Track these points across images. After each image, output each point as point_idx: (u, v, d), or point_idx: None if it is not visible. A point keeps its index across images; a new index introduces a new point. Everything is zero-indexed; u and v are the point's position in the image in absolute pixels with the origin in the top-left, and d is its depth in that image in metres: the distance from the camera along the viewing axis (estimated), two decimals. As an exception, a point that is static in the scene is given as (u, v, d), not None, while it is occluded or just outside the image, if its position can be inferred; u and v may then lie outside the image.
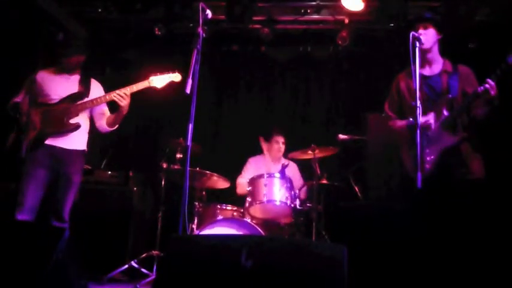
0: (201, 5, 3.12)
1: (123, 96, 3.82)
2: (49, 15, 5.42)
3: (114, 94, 3.82)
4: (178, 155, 4.75)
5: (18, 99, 3.90)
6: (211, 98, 6.44)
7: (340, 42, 5.73)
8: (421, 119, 3.23)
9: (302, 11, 5.67)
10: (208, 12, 3.16)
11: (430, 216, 3.28)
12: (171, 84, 3.98)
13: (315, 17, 5.71)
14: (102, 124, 4.04)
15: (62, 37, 3.96)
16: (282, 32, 5.93)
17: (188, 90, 2.87)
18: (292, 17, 5.74)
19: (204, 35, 3.05)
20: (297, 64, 6.38)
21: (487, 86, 3.11)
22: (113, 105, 4.00)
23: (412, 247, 3.34)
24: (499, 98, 3.21)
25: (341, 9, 5.44)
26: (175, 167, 4.72)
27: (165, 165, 4.78)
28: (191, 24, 5.54)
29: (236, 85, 6.52)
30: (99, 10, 5.82)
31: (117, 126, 4.07)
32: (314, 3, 5.59)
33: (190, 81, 2.89)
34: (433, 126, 3.34)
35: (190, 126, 2.89)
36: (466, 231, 3.18)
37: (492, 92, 3.11)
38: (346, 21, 5.62)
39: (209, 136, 6.34)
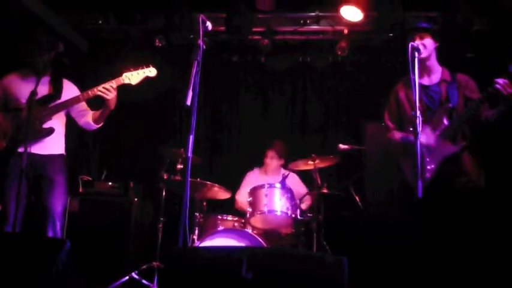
0: (201, 17, 3.13)
1: (109, 89, 3.66)
2: (49, 26, 5.44)
3: (99, 88, 3.65)
4: (179, 166, 4.74)
5: None
6: (211, 108, 6.46)
7: (339, 52, 5.76)
8: (424, 140, 3.25)
9: (301, 21, 5.71)
10: (209, 24, 3.16)
11: (430, 225, 3.28)
12: (147, 79, 3.80)
13: (314, 27, 5.75)
14: (88, 121, 3.88)
15: (62, 48, 3.88)
16: (282, 43, 5.97)
17: (189, 102, 2.87)
18: (291, 27, 5.78)
19: (204, 46, 3.06)
20: (296, 74, 6.41)
21: (498, 86, 3.10)
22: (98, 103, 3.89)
23: (413, 256, 3.34)
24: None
25: (340, 20, 5.49)
26: (176, 177, 4.72)
27: (165, 176, 4.77)
28: (191, 36, 5.57)
29: (236, 96, 6.54)
30: (99, 21, 5.86)
31: (102, 123, 3.91)
32: (313, 14, 5.63)
33: (190, 93, 2.89)
34: (431, 143, 3.34)
35: (191, 137, 2.89)
36: (467, 240, 3.18)
37: (509, 89, 3.09)
38: (346, 31, 5.65)
39: (209, 147, 6.36)
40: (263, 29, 5.74)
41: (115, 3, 5.67)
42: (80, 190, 5.03)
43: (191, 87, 2.90)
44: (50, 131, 3.68)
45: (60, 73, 3.90)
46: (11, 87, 3.71)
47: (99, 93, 3.67)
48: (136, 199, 5.10)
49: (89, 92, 3.70)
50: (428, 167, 3.31)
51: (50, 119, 3.70)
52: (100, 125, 3.92)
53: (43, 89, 3.73)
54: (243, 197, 5.06)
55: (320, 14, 5.62)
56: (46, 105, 3.70)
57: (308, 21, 5.70)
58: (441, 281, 3.18)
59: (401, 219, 3.68)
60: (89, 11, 5.82)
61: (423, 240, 3.27)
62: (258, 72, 6.42)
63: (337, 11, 5.25)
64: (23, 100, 3.66)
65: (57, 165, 3.74)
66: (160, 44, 5.75)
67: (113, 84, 3.69)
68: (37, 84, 3.50)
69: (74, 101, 3.73)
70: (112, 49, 6.13)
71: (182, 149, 4.57)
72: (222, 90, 6.51)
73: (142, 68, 3.78)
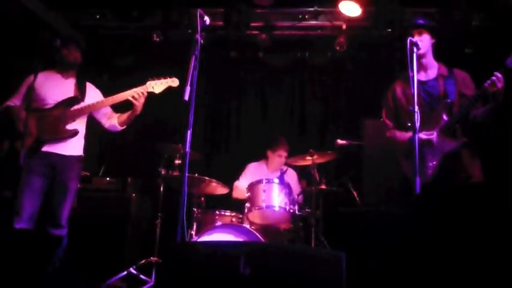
0: (199, 11, 3.13)
1: (139, 96, 3.84)
2: (47, 23, 5.43)
3: (132, 92, 3.83)
4: (177, 161, 4.74)
5: (11, 102, 3.79)
6: (209, 104, 6.45)
7: (337, 48, 5.75)
8: (424, 136, 3.26)
9: (300, 16, 5.70)
10: (206, 19, 3.16)
11: (429, 222, 3.28)
12: (169, 89, 3.96)
13: (313, 22, 5.74)
14: (114, 124, 4.03)
15: (59, 43, 3.92)
16: (280, 38, 5.95)
17: (186, 97, 2.87)
18: (289, 23, 5.77)
19: (202, 41, 3.06)
20: (295, 70, 6.40)
21: (494, 78, 3.10)
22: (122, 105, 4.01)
23: (411, 252, 3.34)
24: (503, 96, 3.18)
25: (338, 15, 5.48)
26: (174, 173, 4.71)
27: (163, 172, 4.77)
28: (189, 31, 5.55)
29: (234, 91, 6.53)
30: (97, 17, 5.84)
31: (126, 126, 4.08)
32: (312, 9, 5.62)
33: (188, 88, 2.89)
34: (435, 142, 3.33)
35: (189, 132, 2.89)
36: (466, 236, 3.18)
37: (499, 84, 3.10)
38: (344, 27, 5.64)
39: (207, 142, 6.35)
40: (261, 24, 5.72)
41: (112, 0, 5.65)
42: (78, 186, 5.02)
43: (189, 83, 2.90)
44: (75, 133, 3.80)
45: (84, 76, 4.04)
46: (36, 87, 3.72)
47: (130, 98, 3.83)
48: (134, 195, 5.10)
49: (114, 98, 3.87)
50: (430, 164, 3.31)
51: (73, 120, 3.82)
52: (124, 127, 4.08)
53: (68, 91, 3.87)
54: (242, 185, 5.06)
55: (318, 9, 5.61)
56: (70, 107, 3.82)
57: (306, 17, 5.68)
58: (440, 276, 3.19)
59: (401, 216, 3.69)
60: (86, 8, 5.81)
61: (422, 236, 3.27)
62: (257, 68, 6.41)
63: (336, 6, 5.24)
64: (49, 100, 3.79)
65: (75, 170, 3.85)
66: (158, 39, 5.73)
67: (141, 90, 3.85)
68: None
69: (98, 105, 3.89)
70: (110, 46, 6.12)
71: (180, 145, 4.56)
72: (221, 86, 6.50)
73: (166, 78, 3.94)
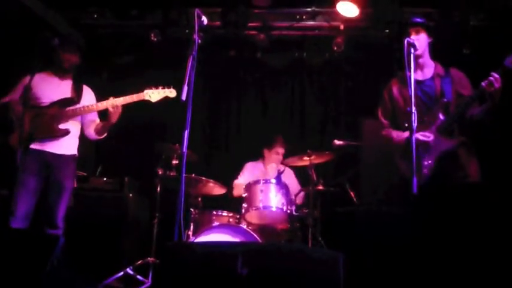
0: (196, 11, 3.13)
1: (115, 107, 3.81)
2: (45, 22, 5.42)
3: (108, 103, 3.82)
4: (174, 162, 4.74)
5: (7, 99, 3.79)
6: (207, 104, 6.44)
7: (335, 48, 5.75)
8: (421, 137, 3.25)
9: (297, 17, 5.70)
10: (204, 19, 3.16)
11: (427, 221, 3.28)
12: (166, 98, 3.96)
13: (311, 23, 5.75)
14: (91, 131, 4.02)
15: (57, 42, 3.91)
16: (278, 38, 5.95)
17: (184, 97, 2.87)
18: (287, 23, 5.77)
19: (199, 41, 3.06)
20: (292, 70, 6.39)
21: (491, 78, 3.11)
22: (102, 113, 3.99)
23: (409, 252, 3.34)
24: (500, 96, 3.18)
25: (336, 16, 5.48)
26: (171, 173, 4.71)
27: (160, 172, 4.77)
28: (187, 31, 5.55)
29: (232, 91, 6.52)
30: (95, 16, 5.83)
31: (105, 135, 4.04)
32: (309, 9, 5.62)
33: (186, 88, 2.89)
34: (431, 143, 3.33)
35: (186, 132, 2.89)
36: (464, 235, 3.18)
37: (496, 85, 3.10)
38: (342, 27, 5.64)
39: (205, 142, 6.34)
40: (259, 24, 5.72)
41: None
42: (75, 185, 5.01)
43: (186, 82, 2.90)
44: (66, 132, 3.80)
45: (81, 78, 4.04)
46: (33, 86, 3.68)
47: (107, 106, 3.82)
48: (131, 195, 5.08)
49: (99, 105, 3.88)
50: (426, 163, 3.30)
51: (66, 121, 3.82)
52: (101, 137, 4.05)
53: (65, 92, 3.88)
54: (241, 183, 5.04)
55: (316, 9, 5.61)
56: (65, 108, 3.82)
57: (304, 17, 5.69)
58: (438, 276, 3.19)
59: (399, 216, 3.69)
60: (85, 6, 5.80)
61: (420, 236, 3.27)
62: (254, 68, 6.40)
63: (333, 6, 5.25)
64: (44, 100, 3.79)
65: (70, 169, 3.86)
66: (155, 39, 5.73)
67: (120, 102, 3.82)
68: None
69: (89, 109, 3.88)
70: (109, 45, 6.11)
71: (177, 145, 4.55)
72: (218, 85, 6.49)
73: (164, 88, 3.95)
